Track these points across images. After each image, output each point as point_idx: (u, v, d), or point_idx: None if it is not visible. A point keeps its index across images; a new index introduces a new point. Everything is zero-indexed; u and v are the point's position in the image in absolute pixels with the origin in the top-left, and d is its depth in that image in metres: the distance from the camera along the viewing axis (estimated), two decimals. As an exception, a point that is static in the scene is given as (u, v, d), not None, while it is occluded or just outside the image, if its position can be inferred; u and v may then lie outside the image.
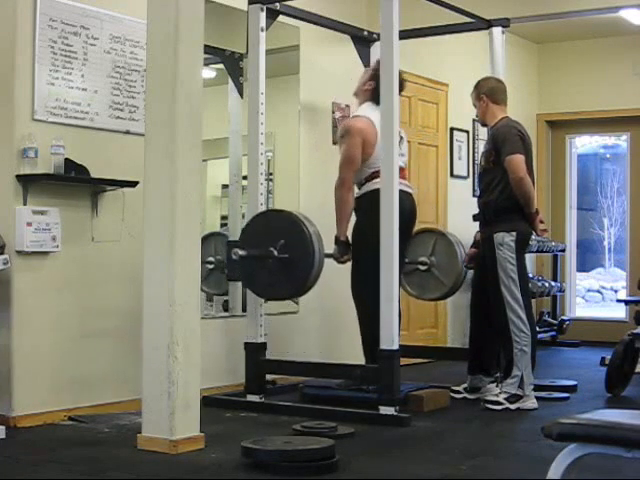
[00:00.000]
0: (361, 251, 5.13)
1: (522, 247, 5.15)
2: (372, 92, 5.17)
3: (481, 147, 6.76)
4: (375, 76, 5.15)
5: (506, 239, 5.07)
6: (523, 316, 5.04)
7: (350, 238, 5.23)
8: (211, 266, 5.67)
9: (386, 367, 4.59)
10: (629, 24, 7.66)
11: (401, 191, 4.94)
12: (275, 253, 4.79)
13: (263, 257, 4.83)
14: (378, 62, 5.23)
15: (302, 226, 4.77)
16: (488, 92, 5.35)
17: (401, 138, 5.25)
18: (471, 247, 5.59)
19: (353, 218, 5.26)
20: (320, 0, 6.13)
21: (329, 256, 5.13)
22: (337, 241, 5.22)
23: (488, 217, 5.19)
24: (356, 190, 5.26)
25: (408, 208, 5.18)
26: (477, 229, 5.47)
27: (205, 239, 5.31)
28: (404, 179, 5.21)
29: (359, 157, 5.12)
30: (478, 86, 5.42)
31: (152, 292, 4.00)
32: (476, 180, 5.45)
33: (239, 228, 5.79)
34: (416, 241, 5.72)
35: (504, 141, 5.13)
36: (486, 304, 5.25)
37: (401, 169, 5.16)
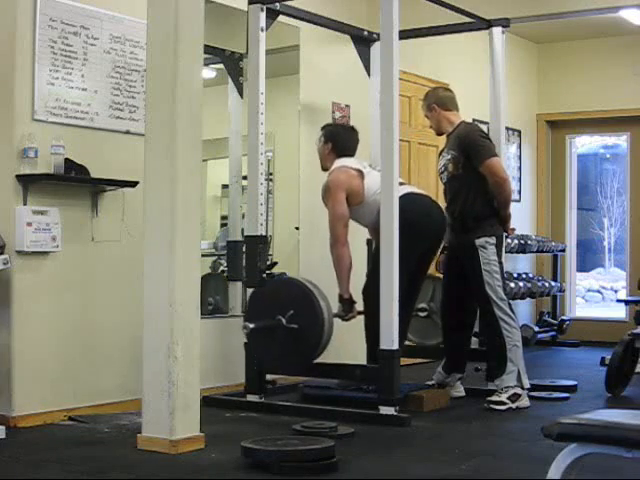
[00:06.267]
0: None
1: (500, 250, 5.24)
2: (334, 150, 5.31)
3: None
4: (328, 137, 5.34)
5: (488, 243, 5.16)
6: (510, 313, 5.14)
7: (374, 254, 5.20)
8: (210, 306, 5.67)
9: (386, 367, 4.60)
10: (629, 24, 7.65)
11: (412, 193, 4.95)
12: (283, 322, 4.81)
13: (272, 327, 4.84)
14: (324, 126, 5.47)
15: (311, 296, 4.78)
16: (438, 101, 5.42)
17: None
18: (441, 253, 5.61)
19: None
20: (320, 0, 6.13)
21: (335, 316, 5.07)
22: (341, 299, 5.21)
23: (469, 224, 5.22)
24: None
25: (422, 202, 5.18)
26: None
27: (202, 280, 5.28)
28: (410, 185, 5.22)
29: (346, 212, 5.11)
30: (427, 97, 5.52)
31: (152, 292, 4.00)
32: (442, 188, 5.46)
33: (239, 228, 5.81)
34: None
35: (476, 147, 5.19)
36: (458, 308, 5.36)
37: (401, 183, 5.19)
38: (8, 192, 4.49)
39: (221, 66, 5.95)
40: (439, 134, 5.57)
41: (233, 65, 5.90)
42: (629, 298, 7.80)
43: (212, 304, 5.74)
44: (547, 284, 8.40)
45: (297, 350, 4.86)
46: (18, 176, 4.47)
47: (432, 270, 5.62)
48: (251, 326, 4.85)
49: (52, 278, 4.63)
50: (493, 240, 5.17)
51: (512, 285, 7.72)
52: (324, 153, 5.39)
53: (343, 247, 5.12)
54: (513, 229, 5.48)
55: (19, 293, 4.49)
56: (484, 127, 5.84)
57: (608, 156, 13.88)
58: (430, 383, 5.45)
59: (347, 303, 5.20)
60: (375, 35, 5.91)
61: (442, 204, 5.46)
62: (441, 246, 5.40)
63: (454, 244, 5.37)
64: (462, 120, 5.42)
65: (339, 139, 5.36)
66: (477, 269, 5.14)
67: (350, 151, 5.36)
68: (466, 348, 5.49)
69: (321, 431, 4.14)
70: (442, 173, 5.37)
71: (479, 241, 5.16)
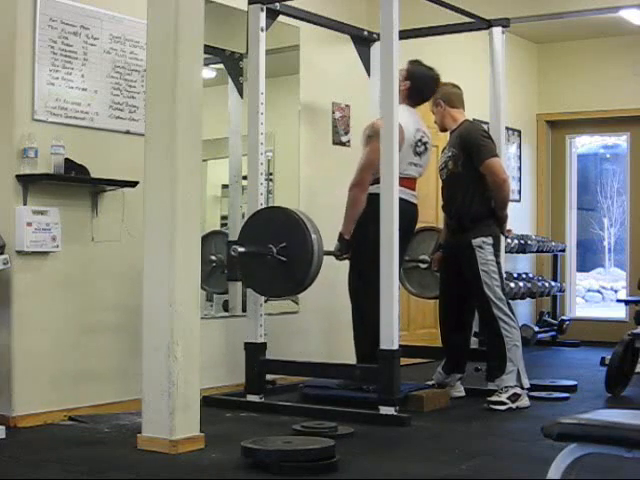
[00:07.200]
0: (359, 250, 5.13)
1: (498, 250, 5.25)
2: (408, 92, 5.23)
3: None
4: (410, 75, 5.24)
5: (485, 243, 5.16)
6: (509, 312, 5.15)
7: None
8: (212, 264, 5.66)
9: (386, 367, 4.60)
10: (629, 24, 7.66)
11: (405, 200, 4.95)
12: (274, 250, 4.79)
13: (262, 254, 4.83)
14: (410, 62, 5.33)
15: (301, 224, 4.78)
16: (445, 97, 5.42)
17: (425, 149, 5.26)
18: (435, 251, 5.61)
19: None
20: (320, 0, 6.13)
21: (329, 253, 5.12)
22: (340, 238, 5.23)
23: (466, 224, 5.23)
24: None
25: (409, 215, 5.19)
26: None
27: (205, 237, 5.31)
28: (412, 190, 5.21)
29: (379, 162, 5.12)
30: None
31: (152, 292, 4.00)
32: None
33: (239, 228, 5.80)
34: (417, 239, 5.72)
35: (477, 146, 5.19)
36: (456, 308, 5.38)
37: (412, 179, 5.18)
38: (8, 192, 4.49)
39: (221, 66, 5.95)
40: (442, 130, 5.57)
41: (233, 65, 5.90)
42: (629, 298, 7.81)
43: (214, 262, 5.70)
44: (547, 284, 8.41)
45: (284, 277, 4.84)
46: (18, 176, 4.47)
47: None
48: (240, 249, 4.85)
49: (52, 278, 4.63)
50: (490, 240, 5.17)
51: (512, 285, 7.72)
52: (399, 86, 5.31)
53: (363, 193, 5.14)
54: (509, 230, 5.49)
55: (19, 293, 4.49)
56: (484, 127, 5.83)
57: (608, 156, 13.89)
58: (430, 383, 5.45)
59: (345, 244, 5.21)
60: (375, 35, 5.91)
61: (440, 202, 5.46)
62: (411, 234, 5.38)
63: (451, 243, 5.37)
64: (466, 118, 5.42)
65: (417, 87, 5.28)
66: (475, 269, 5.14)
67: (419, 102, 5.34)
68: (466, 348, 5.50)
69: (321, 431, 4.14)
70: (442, 170, 5.39)
71: (476, 241, 5.16)
